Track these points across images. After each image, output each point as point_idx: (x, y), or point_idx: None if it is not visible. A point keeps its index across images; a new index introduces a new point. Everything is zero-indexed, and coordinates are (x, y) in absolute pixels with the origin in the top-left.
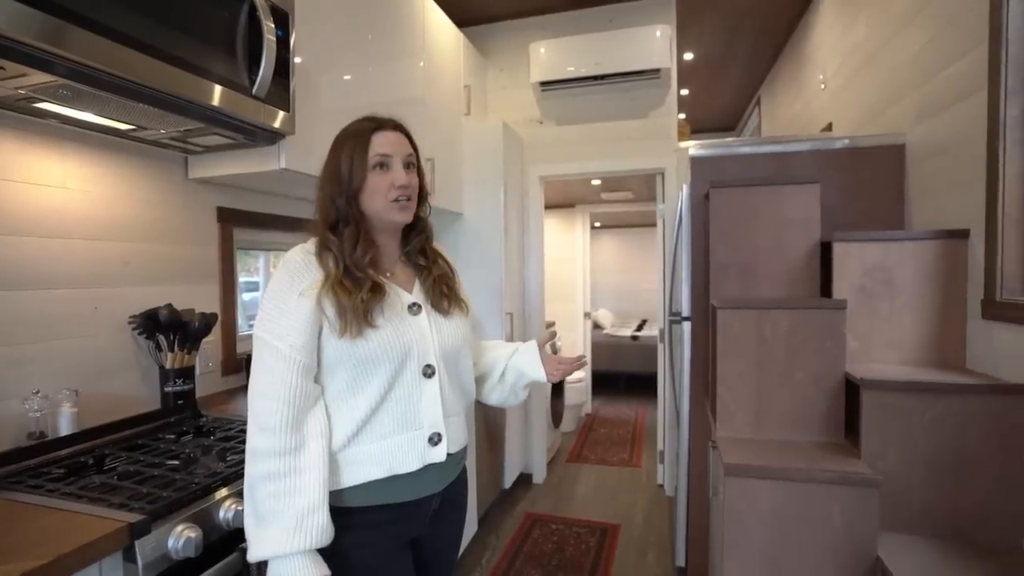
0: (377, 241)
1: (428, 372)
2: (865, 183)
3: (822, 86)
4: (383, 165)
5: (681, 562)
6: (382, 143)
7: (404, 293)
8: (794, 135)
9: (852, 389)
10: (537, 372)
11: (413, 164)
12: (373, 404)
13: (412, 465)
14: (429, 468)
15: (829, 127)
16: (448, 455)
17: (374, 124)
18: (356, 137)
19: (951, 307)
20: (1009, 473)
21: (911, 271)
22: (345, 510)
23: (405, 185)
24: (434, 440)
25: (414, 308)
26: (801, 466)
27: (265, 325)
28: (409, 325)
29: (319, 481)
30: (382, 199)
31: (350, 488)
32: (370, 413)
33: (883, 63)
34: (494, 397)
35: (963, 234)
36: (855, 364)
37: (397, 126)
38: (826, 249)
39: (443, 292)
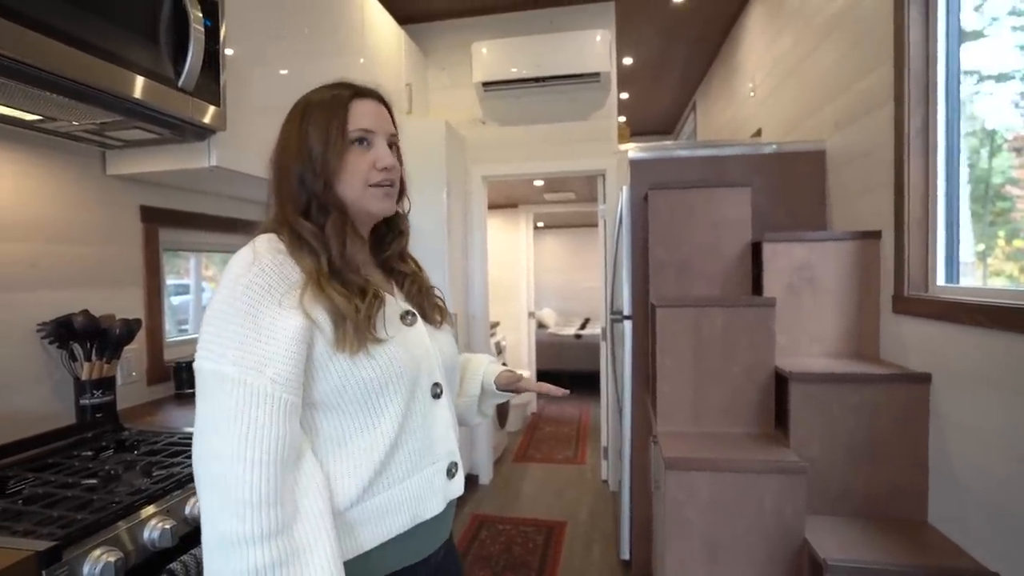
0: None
1: (437, 392)
2: (791, 186)
3: (752, 93)
4: (363, 141)
5: (626, 555)
6: (363, 115)
7: (396, 300)
8: (727, 140)
9: (781, 382)
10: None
11: (396, 145)
12: (390, 440)
13: (437, 507)
14: (447, 508)
15: (759, 133)
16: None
17: (352, 91)
18: (330, 105)
19: (867, 302)
20: (916, 453)
21: (832, 270)
22: None
23: (389, 167)
24: (452, 472)
25: (408, 318)
26: (735, 457)
27: (226, 355)
28: (411, 337)
29: (329, 557)
30: (360, 183)
31: (376, 550)
32: (388, 452)
33: (805, 74)
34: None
35: (876, 235)
36: (784, 358)
37: (379, 97)
38: (756, 248)
39: (434, 303)
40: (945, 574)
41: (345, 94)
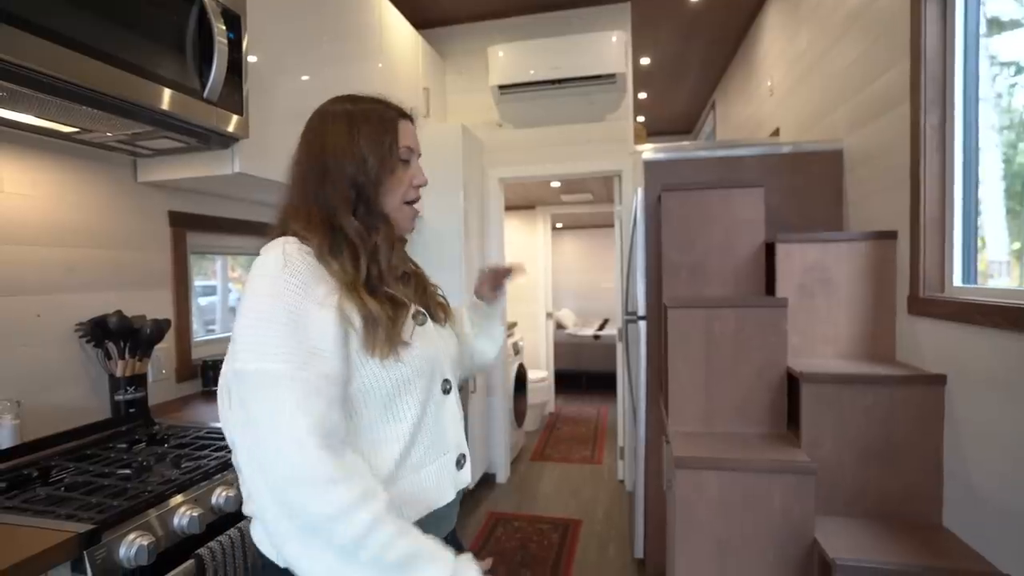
0: None
1: (447, 388)
2: (807, 187)
3: (770, 93)
4: (406, 160)
5: (640, 554)
6: (408, 134)
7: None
8: (742, 140)
9: (793, 382)
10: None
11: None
12: (409, 434)
13: (449, 495)
14: (456, 497)
15: (776, 132)
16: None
17: (398, 111)
18: (381, 120)
19: (882, 303)
20: (930, 455)
21: (846, 270)
22: None
23: (424, 185)
24: (460, 463)
25: (420, 317)
26: (744, 457)
27: (276, 353)
28: (426, 337)
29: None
30: (399, 198)
31: None
32: (407, 445)
33: (822, 73)
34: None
35: (891, 235)
36: (796, 359)
37: (413, 120)
38: (771, 249)
39: (437, 301)
40: None
41: (393, 113)
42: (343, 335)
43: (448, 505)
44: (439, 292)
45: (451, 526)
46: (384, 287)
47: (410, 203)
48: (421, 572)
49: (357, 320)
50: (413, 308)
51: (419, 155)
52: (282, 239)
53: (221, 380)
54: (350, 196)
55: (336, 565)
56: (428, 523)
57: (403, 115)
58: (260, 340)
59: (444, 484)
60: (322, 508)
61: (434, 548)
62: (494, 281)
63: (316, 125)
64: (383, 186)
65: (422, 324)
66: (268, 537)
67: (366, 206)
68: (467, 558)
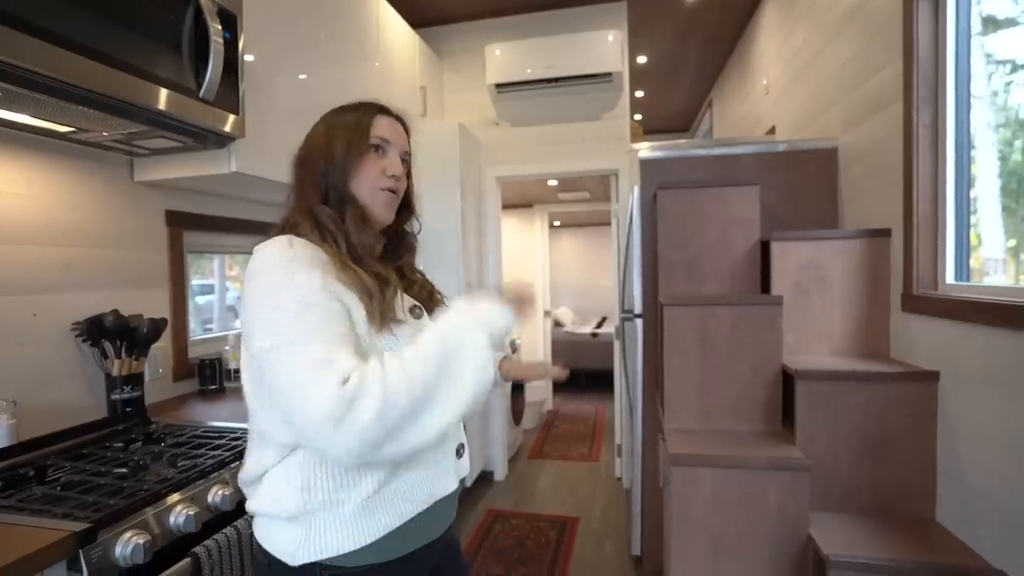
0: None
1: None
2: (803, 185)
3: (766, 91)
4: (379, 149)
5: (637, 551)
6: (383, 127)
7: (404, 296)
8: (738, 138)
9: (788, 379)
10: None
11: (408, 163)
12: None
13: (451, 484)
14: (458, 487)
15: (773, 130)
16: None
17: (378, 107)
18: (357, 114)
19: (876, 301)
20: (924, 451)
21: (840, 268)
22: (385, 565)
23: (397, 176)
24: (460, 452)
25: (416, 311)
26: (739, 454)
27: (289, 328)
28: (422, 328)
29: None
30: (369, 185)
31: (392, 534)
32: None
33: (817, 71)
34: None
35: (885, 233)
36: (792, 356)
37: (400, 118)
38: (765, 247)
39: (440, 304)
40: (949, 571)
41: (373, 108)
42: (346, 311)
43: (451, 495)
44: (444, 299)
45: (452, 518)
46: (364, 266)
47: (383, 191)
48: (471, 342)
49: (355, 293)
50: (410, 302)
51: (405, 152)
52: (283, 236)
53: (244, 375)
54: (321, 184)
55: (421, 416)
56: (432, 512)
57: (384, 111)
58: (271, 319)
59: (447, 472)
60: (368, 414)
61: (455, 321)
62: (535, 378)
63: (309, 131)
64: (351, 171)
65: (419, 317)
66: (357, 467)
67: (336, 192)
68: (488, 304)
